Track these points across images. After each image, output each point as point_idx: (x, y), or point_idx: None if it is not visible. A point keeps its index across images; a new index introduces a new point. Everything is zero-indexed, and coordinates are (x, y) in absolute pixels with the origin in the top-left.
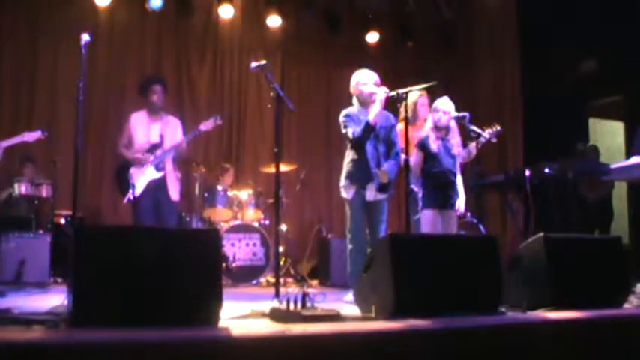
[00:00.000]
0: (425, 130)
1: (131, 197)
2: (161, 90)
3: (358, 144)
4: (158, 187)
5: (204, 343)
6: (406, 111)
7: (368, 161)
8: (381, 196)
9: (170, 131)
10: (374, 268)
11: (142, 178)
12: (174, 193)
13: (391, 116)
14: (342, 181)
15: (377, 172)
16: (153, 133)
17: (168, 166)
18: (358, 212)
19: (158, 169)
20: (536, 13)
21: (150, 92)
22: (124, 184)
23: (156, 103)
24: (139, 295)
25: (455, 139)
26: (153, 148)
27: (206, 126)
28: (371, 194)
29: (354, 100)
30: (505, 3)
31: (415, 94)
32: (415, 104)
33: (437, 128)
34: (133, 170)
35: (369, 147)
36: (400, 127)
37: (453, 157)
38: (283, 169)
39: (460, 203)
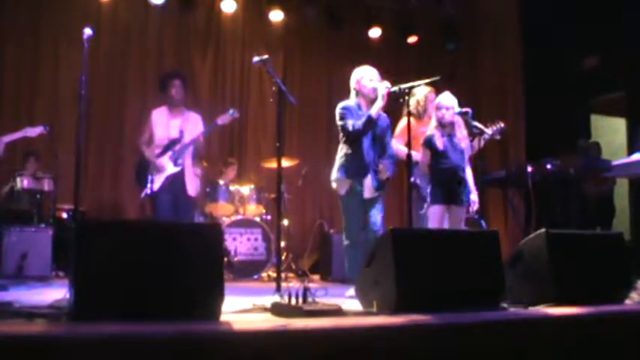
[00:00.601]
0: (430, 129)
1: (148, 192)
2: (180, 85)
3: (356, 138)
4: (176, 181)
5: (206, 338)
6: (408, 106)
7: (364, 156)
8: (377, 193)
9: (190, 126)
10: (375, 263)
11: (160, 173)
12: (191, 188)
13: (387, 117)
14: (335, 175)
15: (376, 166)
16: (173, 128)
17: (187, 161)
18: (353, 207)
19: (176, 163)
20: (539, 10)
21: (169, 87)
22: (144, 178)
23: (175, 97)
24: (140, 289)
25: (461, 133)
26: (172, 143)
27: (223, 120)
28: (368, 191)
29: (352, 95)
30: None
31: (425, 89)
32: (426, 99)
33: (441, 125)
34: (152, 165)
35: (365, 142)
36: (404, 122)
37: (462, 151)
38: (285, 164)
39: (474, 197)
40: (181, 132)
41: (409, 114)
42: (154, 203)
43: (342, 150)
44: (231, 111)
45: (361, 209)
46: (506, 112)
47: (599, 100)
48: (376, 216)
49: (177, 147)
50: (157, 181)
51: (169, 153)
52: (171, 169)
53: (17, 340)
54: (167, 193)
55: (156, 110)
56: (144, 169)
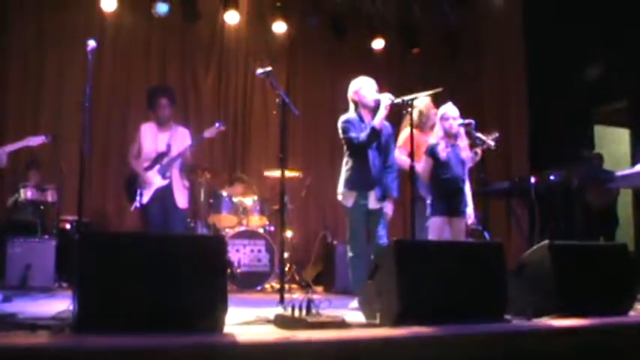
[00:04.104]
0: (434, 138)
1: (138, 205)
2: (167, 103)
3: (361, 150)
4: (165, 194)
5: (209, 350)
6: (412, 117)
7: (369, 168)
8: (382, 204)
9: (178, 140)
10: (379, 275)
11: (148, 187)
12: (181, 200)
13: (389, 125)
14: (341, 188)
15: (382, 176)
16: (160, 142)
17: (175, 173)
18: (358, 219)
19: (164, 176)
20: (542, 20)
21: (156, 107)
22: (132, 192)
23: (162, 118)
24: (143, 301)
25: (463, 143)
26: (160, 157)
27: (209, 133)
28: (372, 202)
29: (351, 108)
30: (511, 10)
31: (425, 99)
32: (428, 110)
33: (448, 135)
34: (140, 179)
35: (371, 153)
36: (406, 132)
37: (463, 162)
38: (288, 175)
39: (470, 211)
40: (169, 146)
41: (412, 125)
42: (144, 216)
43: (347, 163)
44: (217, 124)
45: (366, 221)
46: (509, 123)
47: (603, 111)
48: (381, 230)
49: (165, 160)
50: (146, 195)
51: (157, 166)
52: (159, 182)
53: (20, 352)
54: (156, 206)
55: (144, 124)
56: (133, 182)
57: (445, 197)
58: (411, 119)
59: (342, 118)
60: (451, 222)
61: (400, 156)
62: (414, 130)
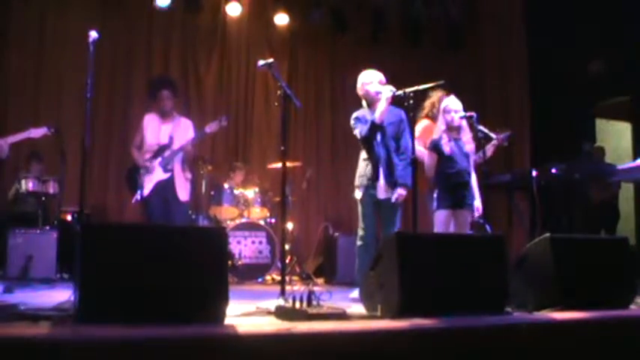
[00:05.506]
0: (437, 132)
1: (139, 197)
2: (169, 95)
3: (366, 143)
4: (166, 187)
5: (210, 341)
6: (413, 109)
7: (375, 159)
8: (391, 193)
9: (180, 133)
10: (381, 267)
11: (150, 179)
12: (182, 193)
13: (401, 112)
14: (355, 181)
15: (389, 162)
16: (163, 134)
17: (177, 166)
18: (367, 210)
19: (166, 169)
20: (544, 13)
21: (158, 99)
22: (134, 184)
23: (164, 109)
24: (145, 292)
25: (466, 136)
26: (161, 149)
27: (211, 128)
28: (381, 191)
29: (363, 103)
30: (513, 3)
31: (439, 91)
32: (440, 101)
33: (450, 129)
34: (142, 171)
35: (377, 146)
36: (422, 124)
37: (467, 156)
38: (289, 167)
39: (477, 204)
40: (171, 138)
41: (412, 119)
42: (145, 209)
43: (361, 157)
44: (220, 119)
45: (376, 212)
46: (511, 116)
47: (605, 104)
48: (391, 221)
49: (167, 153)
50: (147, 187)
51: (159, 159)
52: (160, 175)
53: (22, 342)
54: (157, 199)
55: (148, 115)
56: (134, 174)
57: (450, 191)
58: (412, 112)
59: (353, 114)
60: (456, 215)
61: (417, 147)
62: (429, 121)
